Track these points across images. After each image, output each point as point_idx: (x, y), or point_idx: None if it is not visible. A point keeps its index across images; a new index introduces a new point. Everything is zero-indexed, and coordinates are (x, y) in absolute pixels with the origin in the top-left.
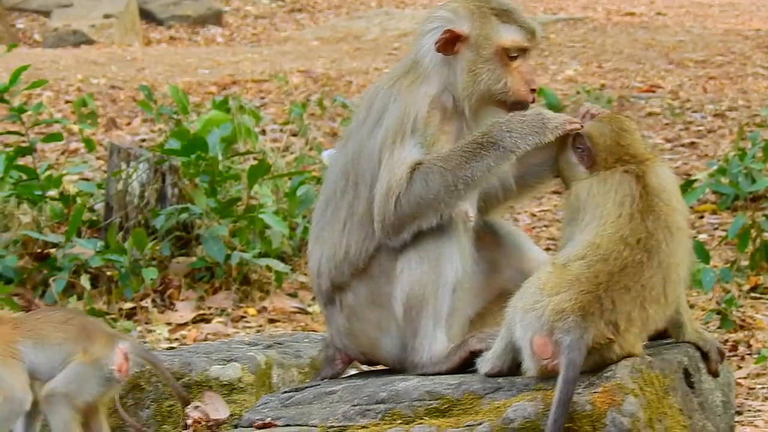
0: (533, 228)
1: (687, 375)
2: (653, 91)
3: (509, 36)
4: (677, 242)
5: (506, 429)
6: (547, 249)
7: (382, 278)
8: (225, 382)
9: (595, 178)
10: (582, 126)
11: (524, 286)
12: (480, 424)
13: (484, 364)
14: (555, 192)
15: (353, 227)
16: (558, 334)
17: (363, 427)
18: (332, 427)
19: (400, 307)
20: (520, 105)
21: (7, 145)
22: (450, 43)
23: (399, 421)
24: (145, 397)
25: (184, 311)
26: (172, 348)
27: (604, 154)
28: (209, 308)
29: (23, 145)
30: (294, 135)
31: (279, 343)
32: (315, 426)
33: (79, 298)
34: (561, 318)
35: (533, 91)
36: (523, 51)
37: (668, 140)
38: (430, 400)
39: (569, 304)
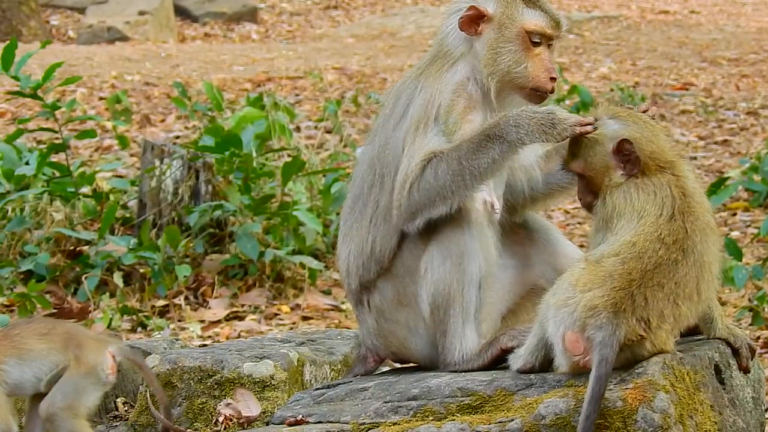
0: (567, 225)
1: (718, 371)
2: (686, 89)
3: (533, 20)
4: (711, 241)
5: (538, 425)
6: (581, 246)
7: (406, 278)
8: (257, 380)
9: (632, 184)
10: (595, 129)
11: (557, 282)
12: (512, 420)
13: (516, 360)
14: None
15: (378, 222)
16: (590, 331)
17: (395, 423)
18: (364, 424)
19: (426, 306)
20: (538, 92)
21: (40, 142)
22: (474, 21)
23: (431, 418)
24: (176, 394)
25: (218, 309)
26: (205, 345)
27: (648, 160)
28: (242, 306)
29: (56, 142)
30: (328, 132)
31: (312, 340)
32: (347, 423)
33: (112, 295)
34: (593, 314)
35: (553, 80)
36: (546, 38)
37: (701, 138)
38: (462, 397)
39: (601, 300)
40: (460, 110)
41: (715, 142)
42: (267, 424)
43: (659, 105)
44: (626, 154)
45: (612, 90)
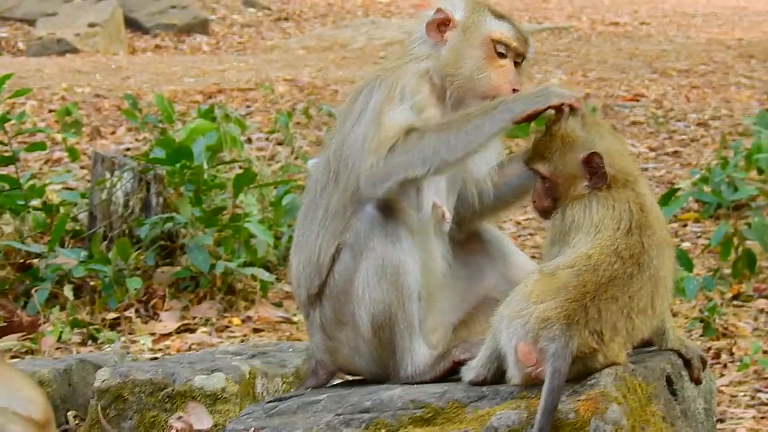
0: (518, 236)
1: (670, 383)
2: (637, 100)
3: (500, 29)
4: (667, 256)
5: None
6: (533, 257)
7: (341, 297)
8: (209, 392)
9: (594, 197)
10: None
11: (511, 293)
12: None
13: (468, 372)
14: None
15: (327, 224)
16: (543, 342)
17: None
18: None
19: (367, 326)
20: None
21: None
22: (441, 25)
23: (383, 430)
24: (127, 407)
25: (169, 321)
26: (156, 359)
27: (616, 174)
28: (193, 318)
29: (6, 154)
30: (280, 144)
31: (263, 353)
32: None
33: (62, 308)
34: (546, 326)
35: (515, 92)
36: (512, 52)
37: (652, 149)
38: (414, 409)
39: (554, 312)
40: (426, 93)
41: (666, 153)
42: None
43: (610, 116)
44: (594, 167)
45: None
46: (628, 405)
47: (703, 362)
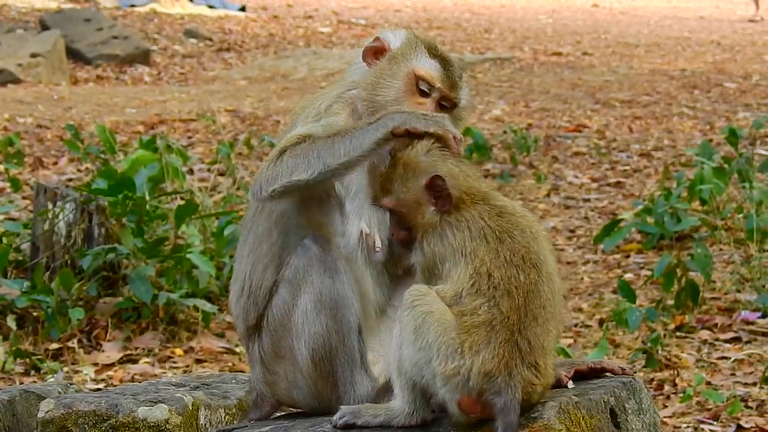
0: None
1: (613, 415)
2: (580, 131)
3: (426, 67)
4: (547, 249)
5: None
6: None
7: (280, 330)
8: (152, 424)
9: (446, 224)
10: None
11: (426, 332)
12: None
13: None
14: None
15: (257, 251)
16: (488, 396)
17: None
18: None
19: (307, 360)
20: None
21: None
22: (377, 53)
23: None
24: None
25: (111, 352)
26: (99, 389)
27: (463, 195)
28: (136, 348)
29: None
30: (221, 174)
31: (206, 384)
32: None
33: (5, 338)
34: (489, 380)
35: None
36: (435, 91)
37: (594, 180)
38: None
39: (493, 363)
40: (343, 116)
41: (609, 184)
42: None
43: (552, 147)
44: (438, 190)
45: (505, 132)
46: None
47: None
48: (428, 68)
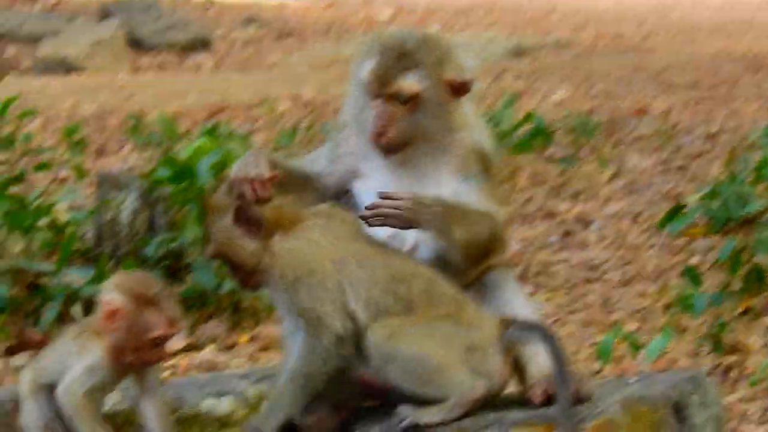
0: (523, 253)
1: (677, 409)
2: (643, 114)
3: (363, 69)
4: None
5: None
6: (538, 274)
7: None
8: (217, 417)
9: (292, 244)
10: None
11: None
12: None
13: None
14: (545, 216)
15: None
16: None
17: None
18: None
19: None
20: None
21: None
22: None
23: None
24: (139, 427)
25: (176, 340)
26: (163, 378)
27: (276, 216)
28: (200, 337)
29: (12, 175)
30: None
31: (270, 376)
32: None
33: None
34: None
35: (378, 135)
36: (377, 92)
37: (658, 164)
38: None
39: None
40: (346, 119)
41: (672, 168)
42: None
43: (615, 131)
44: (246, 218)
45: (567, 116)
46: None
47: None
48: (363, 70)
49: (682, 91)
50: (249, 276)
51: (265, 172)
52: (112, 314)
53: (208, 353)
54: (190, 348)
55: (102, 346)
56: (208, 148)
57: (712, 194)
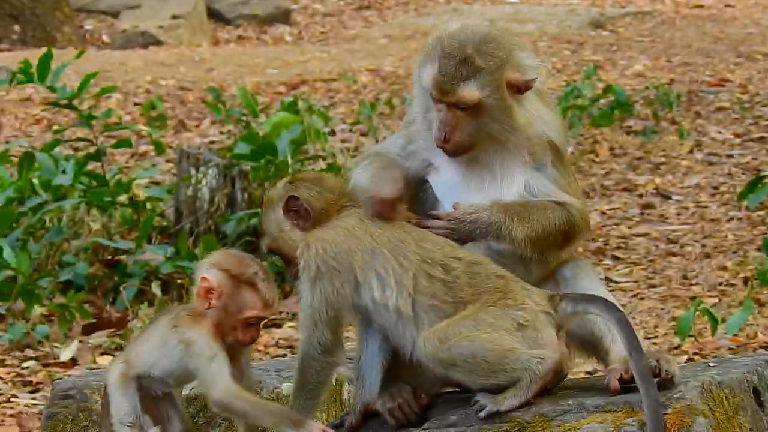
0: (604, 226)
1: (756, 394)
2: (722, 85)
3: (425, 75)
4: None
5: None
6: (618, 248)
7: None
8: None
9: (328, 234)
10: None
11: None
12: None
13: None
14: (625, 189)
15: None
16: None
17: None
18: None
19: None
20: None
21: (76, 149)
22: None
23: None
24: (216, 415)
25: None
26: None
27: (324, 206)
28: (280, 313)
29: (92, 150)
30: (363, 135)
31: (349, 359)
32: None
33: (150, 304)
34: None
35: (445, 140)
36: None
37: (737, 135)
38: (500, 423)
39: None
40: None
41: (752, 140)
42: None
43: (695, 102)
44: (295, 209)
45: (647, 88)
46: (714, 418)
47: None
48: (426, 76)
49: (762, 61)
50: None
51: (394, 193)
52: (208, 292)
53: (287, 330)
54: (269, 324)
55: (203, 331)
56: (288, 123)
57: None
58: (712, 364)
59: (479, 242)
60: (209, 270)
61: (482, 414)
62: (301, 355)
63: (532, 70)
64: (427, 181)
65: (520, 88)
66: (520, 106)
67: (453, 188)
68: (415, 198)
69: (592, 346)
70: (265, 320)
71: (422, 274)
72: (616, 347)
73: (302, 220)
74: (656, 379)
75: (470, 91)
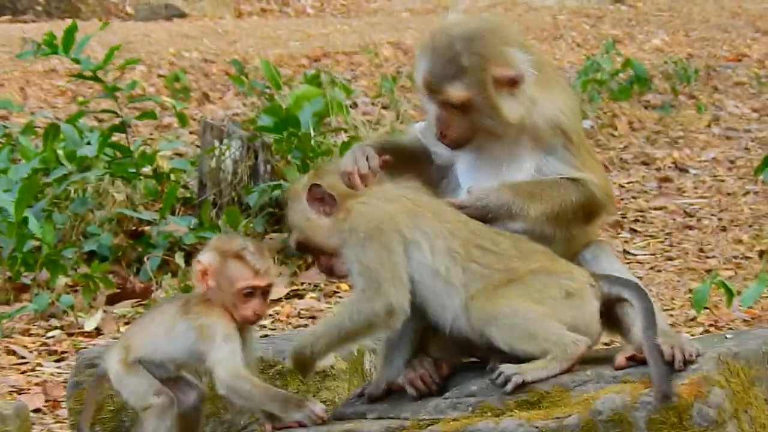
0: (622, 199)
1: None
2: (740, 60)
3: (418, 73)
4: None
5: (594, 421)
6: (635, 221)
7: None
8: (318, 370)
9: (366, 201)
10: None
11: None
12: (569, 416)
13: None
14: (643, 163)
15: None
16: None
17: (454, 419)
18: (423, 420)
19: None
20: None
21: (100, 121)
22: None
23: (489, 414)
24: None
25: (278, 287)
26: (266, 336)
27: (347, 192)
28: (302, 284)
29: (117, 122)
30: (385, 108)
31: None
32: (407, 419)
33: (174, 275)
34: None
35: (442, 135)
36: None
37: (755, 110)
38: (520, 393)
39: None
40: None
41: None
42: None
43: (713, 77)
44: (319, 197)
45: (665, 62)
46: (730, 388)
47: None
48: (418, 74)
49: None
50: (332, 259)
51: (369, 164)
52: (203, 273)
53: (309, 300)
54: (291, 295)
55: (215, 312)
56: (310, 95)
57: None
58: (728, 336)
59: (498, 224)
60: (203, 254)
61: (509, 387)
62: (344, 318)
63: (521, 64)
64: (452, 167)
65: (511, 83)
66: (514, 99)
67: (471, 174)
68: (439, 183)
69: (614, 322)
70: (266, 292)
71: (472, 244)
72: (637, 327)
73: (328, 206)
74: (679, 360)
75: (457, 91)
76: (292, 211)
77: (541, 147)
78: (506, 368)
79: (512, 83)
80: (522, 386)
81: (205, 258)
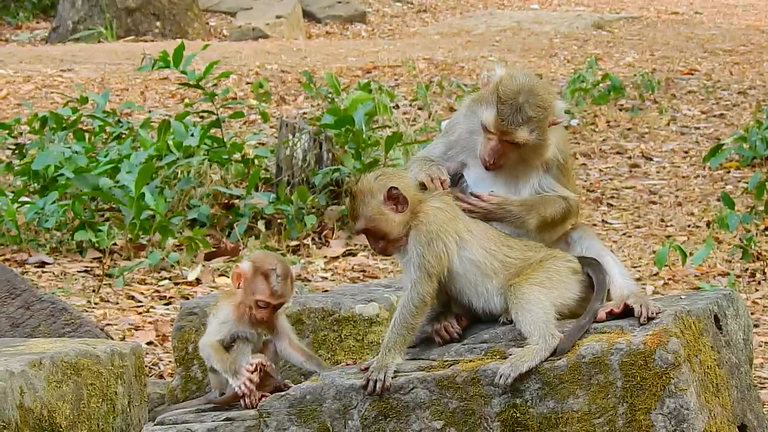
0: (600, 181)
1: (716, 320)
2: (692, 74)
3: (486, 116)
4: None
5: (579, 363)
6: (612, 197)
7: None
8: (366, 318)
9: (430, 209)
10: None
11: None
12: (559, 359)
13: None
14: (617, 152)
15: None
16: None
17: (470, 361)
18: (447, 360)
19: None
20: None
21: (202, 118)
22: (484, 84)
23: (497, 357)
24: (305, 329)
25: (336, 248)
26: (327, 291)
27: (412, 195)
28: (356, 245)
29: (214, 119)
30: (420, 109)
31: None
32: (434, 360)
33: (256, 238)
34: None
35: (491, 164)
36: (494, 134)
37: (703, 112)
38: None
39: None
40: (460, 129)
41: (714, 116)
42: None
43: (671, 87)
44: (395, 197)
45: (635, 75)
46: (684, 338)
47: None
48: (487, 117)
49: (722, 55)
50: (389, 244)
51: (444, 175)
52: (237, 277)
53: (361, 258)
54: (347, 254)
55: (230, 304)
56: (363, 99)
57: (743, 137)
58: (683, 297)
59: (498, 226)
60: (244, 262)
61: (508, 382)
62: (407, 300)
63: (562, 112)
64: (462, 176)
65: (554, 124)
66: (552, 136)
67: (483, 181)
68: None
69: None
70: (277, 306)
71: (500, 243)
72: (614, 289)
73: (400, 205)
74: (644, 316)
75: (523, 134)
76: (366, 204)
77: (543, 168)
78: (504, 369)
79: (555, 125)
80: (519, 378)
81: (243, 266)
